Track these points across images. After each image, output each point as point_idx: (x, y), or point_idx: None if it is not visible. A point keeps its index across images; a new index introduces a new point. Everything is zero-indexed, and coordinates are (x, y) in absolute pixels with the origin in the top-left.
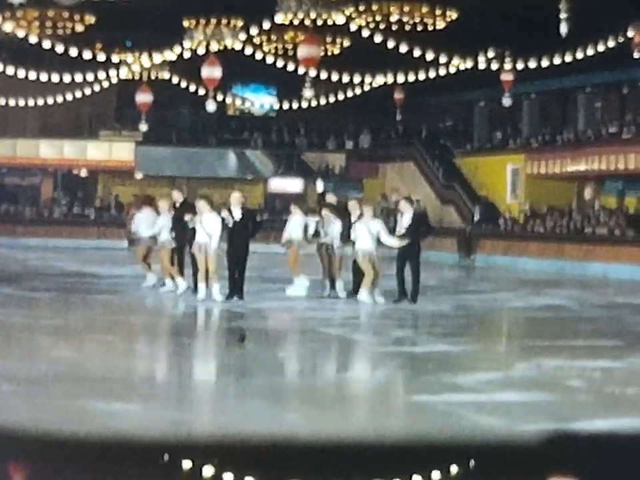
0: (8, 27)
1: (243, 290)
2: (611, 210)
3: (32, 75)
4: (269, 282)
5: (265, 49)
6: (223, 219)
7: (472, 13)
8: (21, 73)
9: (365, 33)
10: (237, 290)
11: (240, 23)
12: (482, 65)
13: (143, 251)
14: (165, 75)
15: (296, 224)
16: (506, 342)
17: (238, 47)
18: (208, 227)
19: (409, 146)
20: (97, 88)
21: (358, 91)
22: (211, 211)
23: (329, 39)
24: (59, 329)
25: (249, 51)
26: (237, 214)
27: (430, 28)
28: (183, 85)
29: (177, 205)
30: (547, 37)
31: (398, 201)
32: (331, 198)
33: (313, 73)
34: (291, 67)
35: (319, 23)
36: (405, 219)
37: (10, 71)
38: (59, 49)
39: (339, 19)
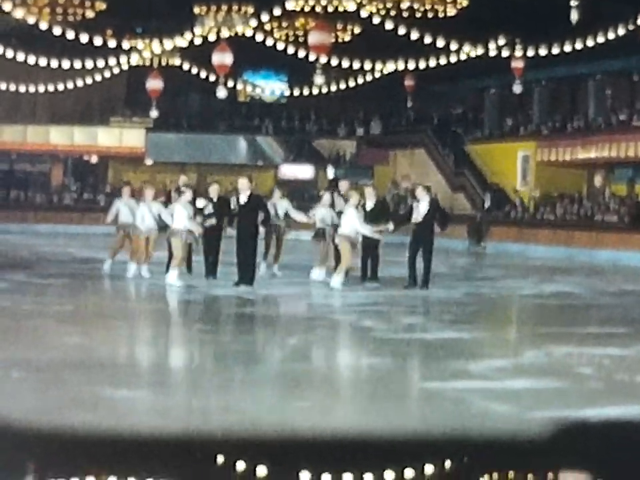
0: (19, 13)
1: (253, 278)
2: (621, 197)
3: (42, 62)
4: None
5: (276, 35)
6: (230, 205)
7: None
8: (32, 60)
9: (376, 20)
10: (245, 278)
11: (251, 10)
12: (493, 52)
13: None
14: (176, 61)
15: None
16: (516, 329)
17: (249, 33)
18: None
19: (420, 133)
20: (107, 74)
21: (369, 77)
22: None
23: (339, 26)
24: (70, 315)
25: (259, 37)
26: (243, 199)
27: (441, 15)
28: (194, 71)
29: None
30: (558, 24)
31: (411, 188)
32: (343, 185)
33: (323, 59)
34: (301, 53)
35: (330, 9)
36: (422, 207)
37: (20, 57)
38: (70, 35)
39: (350, 6)
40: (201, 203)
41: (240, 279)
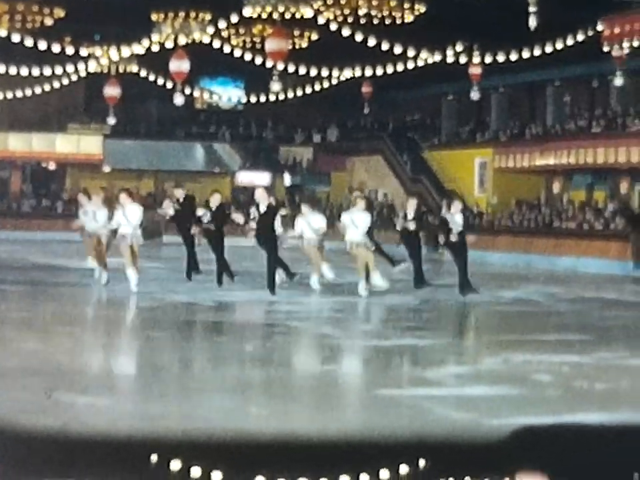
0: None
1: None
2: (579, 204)
3: (1, 68)
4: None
5: (233, 42)
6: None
7: (440, 6)
8: None
9: (333, 26)
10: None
11: (208, 17)
12: (450, 59)
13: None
14: (133, 68)
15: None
16: (474, 336)
17: (206, 40)
18: (130, 218)
19: (377, 139)
20: (65, 81)
21: (326, 84)
22: (132, 203)
23: (296, 32)
24: (28, 321)
25: (216, 44)
26: (263, 208)
27: (398, 21)
28: (151, 78)
29: (181, 200)
30: (516, 31)
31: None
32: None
33: (280, 66)
34: (258, 60)
35: (287, 16)
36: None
37: None
38: (28, 42)
39: (307, 12)
40: (200, 211)
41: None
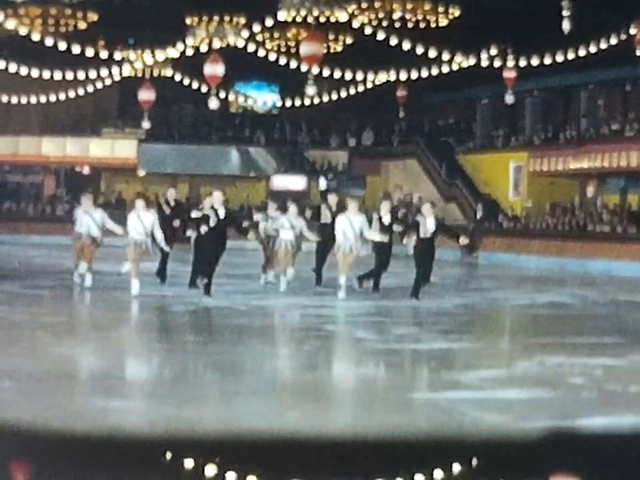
0: (11, 24)
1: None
2: (613, 207)
3: (34, 73)
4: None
5: (268, 46)
6: (207, 216)
7: (474, 10)
8: (24, 71)
9: (368, 30)
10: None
11: (242, 20)
12: (484, 62)
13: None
14: (168, 72)
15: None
16: (508, 339)
17: (240, 44)
18: (146, 224)
19: (412, 143)
20: (99, 85)
21: (360, 88)
22: (146, 209)
23: (331, 36)
24: (62, 326)
25: (251, 48)
26: (221, 213)
27: (433, 25)
28: (186, 82)
29: (172, 204)
30: (550, 34)
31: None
32: (332, 199)
33: (315, 70)
34: (293, 64)
35: (322, 20)
36: (429, 223)
37: (12, 68)
38: (62, 46)
39: (342, 16)
40: (195, 214)
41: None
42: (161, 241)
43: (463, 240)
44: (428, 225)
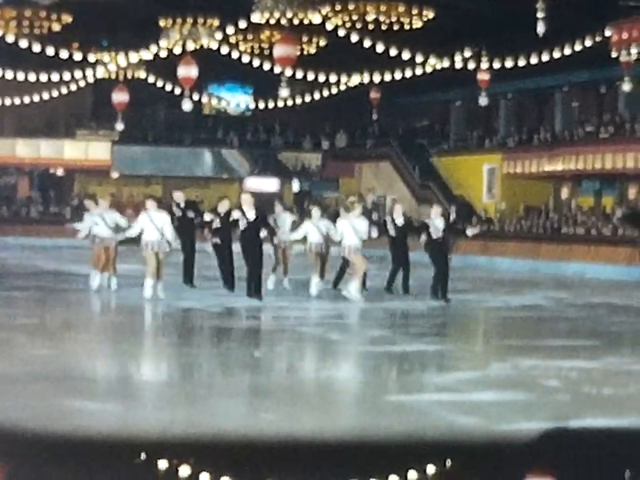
0: None
1: (260, 291)
2: (587, 209)
3: (8, 75)
4: None
5: (241, 48)
6: (236, 220)
7: (448, 12)
8: None
9: (341, 32)
10: (256, 291)
11: (216, 22)
12: (458, 65)
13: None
14: (142, 74)
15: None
16: (483, 342)
17: (214, 46)
18: (158, 225)
19: (385, 145)
20: (73, 87)
21: (334, 90)
22: (159, 210)
23: (305, 38)
24: (37, 327)
25: (225, 50)
26: (251, 215)
27: (406, 27)
28: (159, 84)
29: (182, 205)
30: (524, 36)
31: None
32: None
33: (289, 72)
34: (267, 66)
35: (295, 22)
36: (439, 225)
37: None
38: (36, 48)
39: (315, 18)
40: (208, 217)
41: (249, 292)
42: (173, 240)
43: (471, 230)
44: (438, 225)
